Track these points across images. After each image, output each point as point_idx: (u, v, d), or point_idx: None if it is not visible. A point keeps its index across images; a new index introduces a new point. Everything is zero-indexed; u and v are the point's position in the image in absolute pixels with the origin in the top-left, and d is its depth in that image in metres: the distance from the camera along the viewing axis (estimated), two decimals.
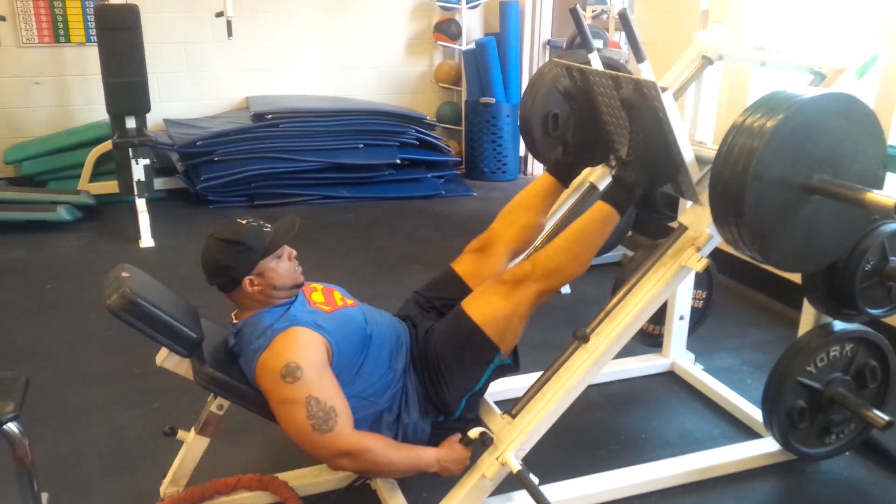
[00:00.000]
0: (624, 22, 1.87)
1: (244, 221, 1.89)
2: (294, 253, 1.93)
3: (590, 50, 2.11)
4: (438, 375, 1.93)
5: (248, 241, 1.84)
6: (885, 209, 1.53)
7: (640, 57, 1.87)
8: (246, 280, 1.83)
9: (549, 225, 2.40)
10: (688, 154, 1.88)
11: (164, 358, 1.85)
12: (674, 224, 2.00)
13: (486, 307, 1.91)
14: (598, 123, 2.11)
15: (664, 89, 1.80)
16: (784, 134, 1.57)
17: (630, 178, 1.93)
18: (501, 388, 2.49)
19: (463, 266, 2.17)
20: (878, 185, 1.70)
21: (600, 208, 1.95)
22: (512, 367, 2.03)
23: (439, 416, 1.95)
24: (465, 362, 1.92)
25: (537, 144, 2.34)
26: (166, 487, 1.95)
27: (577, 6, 2.12)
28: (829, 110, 1.61)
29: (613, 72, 1.98)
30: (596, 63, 2.10)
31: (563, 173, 2.19)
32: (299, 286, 1.93)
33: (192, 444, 1.91)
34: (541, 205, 2.22)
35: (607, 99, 2.02)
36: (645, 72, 1.84)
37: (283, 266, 1.87)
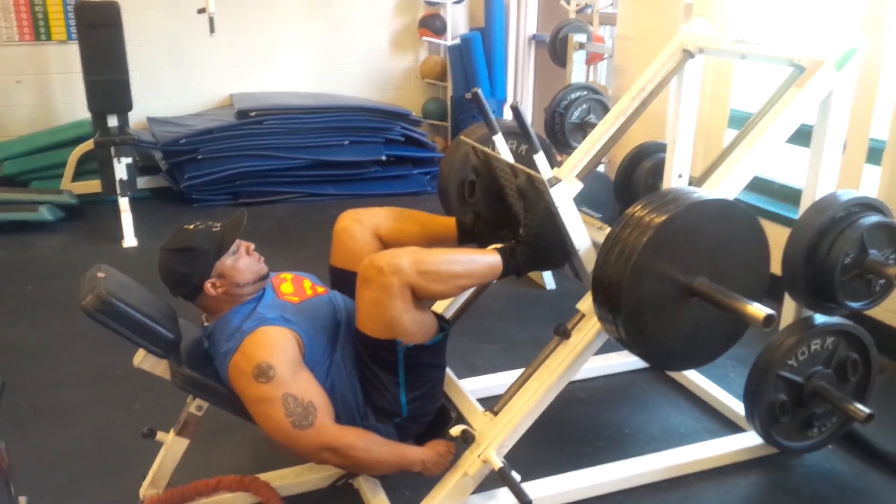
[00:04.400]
0: (516, 116, 1.86)
1: (191, 226, 1.87)
2: (251, 246, 1.91)
3: (493, 132, 2.12)
4: (364, 387, 1.89)
5: (200, 245, 1.82)
6: (756, 321, 1.55)
7: (534, 148, 1.88)
8: (207, 284, 1.81)
9: None
10: (582, 244, 1.91)
11: (142, 359, 1.83)
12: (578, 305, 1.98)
13: (370, 318, 1.80)
14: (504, 201, 2.13)
15: (556, 181, 1.83)
16: (667, 233, 1.58)
17: (519, 257, 1.95)
18: (484, 385, 2.49)
19: (338, 258, 2.13)
20: (763, 283, 1.76)
21: (491, 255, 1.94)
22: (434, 343, 1.90)
23: (394, 419, 1.91)
24: (374, 369, 1.86)
25: (455, 211, 2.36)
26: (146, 489, 1.93)
27: (479, 91, 2.10)
28: (710, 213, 1.64)
29: (509, 162, 2.01)
30: (500, 145, 2.12)
31: (466, 236, 2.20)
32: (265, 278, 1.91)
33: (172, 446, 1.89)
34: (432, 233, 2.17)
35: (507, 183, 2.06)
36: (540, 163, 1.87)
37: (242, 262, 1.85)
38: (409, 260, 1.77)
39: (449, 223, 2.22)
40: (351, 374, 1.89)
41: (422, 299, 1.82)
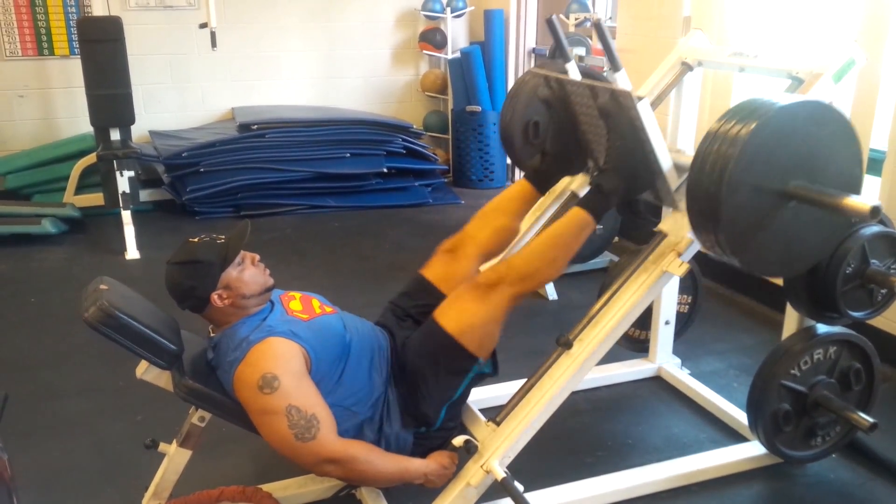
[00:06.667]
0: (599, 32, 1.86)
1: (196, 239, 1.87)
2: (256, 257, 1.92)
3: (566, 60, 2.10)
4: (415, 387, 1.91)
5: (205, 257, 1.82)
6: (861, 213, 1.53)
7: (615, 66, 1.86)
8: (214, 295, 1.82)
9: (532, 233, 2.40)
10: (665, 162, 1.89)
11: (144, 370, 1.84)
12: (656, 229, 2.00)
13: (459, 315, 1.88)
14: (577, 132, 2.11)
15: (640, 98, 1.80)
16: (758, 141, 1.57)
17: (607, 186, 1.93)
18: (486, 395, 2.49)
19: (433, 271, 2.15)
20: (856, 186, 1.71)
21: (577, 214, 1.95)
22: (491, 373, 2.01)
23: (420, 427, 1.93)
24: (441, 373, 1.89)
25: (518, 153, 2.34)
26: (148, 501, 1.93)
27: (555, 17, 2.09)
28: (801, 116, 1.62)
29: (590, 81, 1.98)
30: (573, 72, 2.10)
31: (540, 181, 2.20)
32: (270, 289, 1.91)
33: (174, 457, 1.89)
34: (516, 209, 2.22)
35: (585, 108, 2.03)
36: (621, 80, 1.84)
37: (247, 273, 1.86)
38: (510, 273, 1.90)
39: (522, 186, 2.22)
40: (364, 388, 1.89)
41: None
